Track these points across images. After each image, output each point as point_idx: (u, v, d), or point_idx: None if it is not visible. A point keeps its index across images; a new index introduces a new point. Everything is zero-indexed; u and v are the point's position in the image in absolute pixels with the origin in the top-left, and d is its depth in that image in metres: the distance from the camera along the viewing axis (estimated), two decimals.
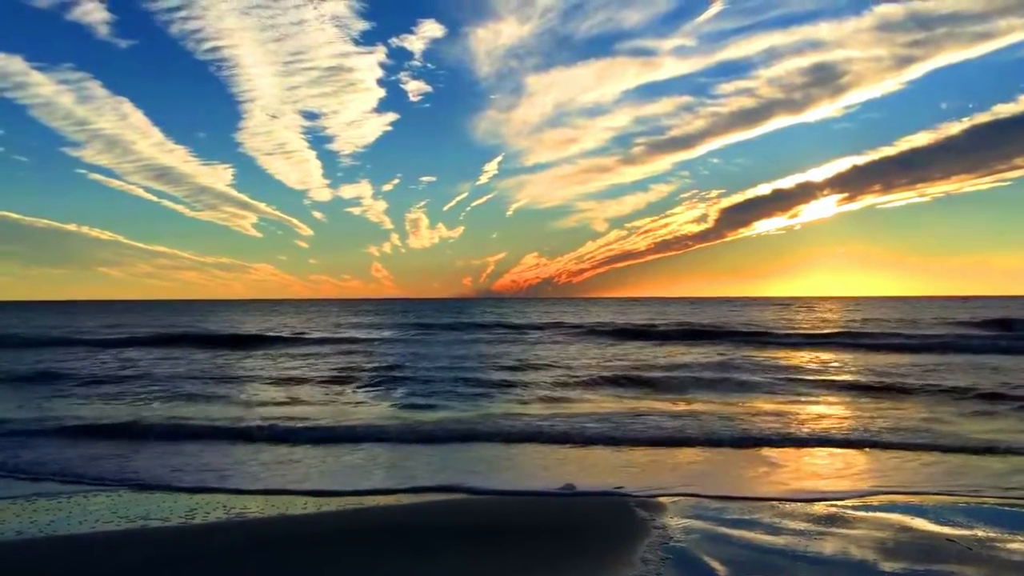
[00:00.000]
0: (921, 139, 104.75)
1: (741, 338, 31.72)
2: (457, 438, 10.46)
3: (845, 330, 35.64)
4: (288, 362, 23.31)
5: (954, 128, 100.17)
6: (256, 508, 6.94)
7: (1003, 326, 34.59)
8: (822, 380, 17.16)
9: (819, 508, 6.72)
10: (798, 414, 12.45)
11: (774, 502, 6.96)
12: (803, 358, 23.49)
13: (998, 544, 5.64)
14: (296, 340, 32.95)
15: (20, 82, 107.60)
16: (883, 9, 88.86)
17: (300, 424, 11.41)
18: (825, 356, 24.04)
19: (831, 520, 6.29)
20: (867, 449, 9.55)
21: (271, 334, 35.82)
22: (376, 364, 21.79)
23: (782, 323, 45.26)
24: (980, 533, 5.90)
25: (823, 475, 8.24)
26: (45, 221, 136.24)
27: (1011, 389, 14.77)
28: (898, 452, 9.30)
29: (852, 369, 19.87)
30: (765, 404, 13.77)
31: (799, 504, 6.88)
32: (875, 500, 7.04)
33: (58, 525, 6.37)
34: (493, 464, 8.98)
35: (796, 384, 16.55)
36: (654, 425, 11.15)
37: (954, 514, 6.47)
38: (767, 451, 9.49)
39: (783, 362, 21.98)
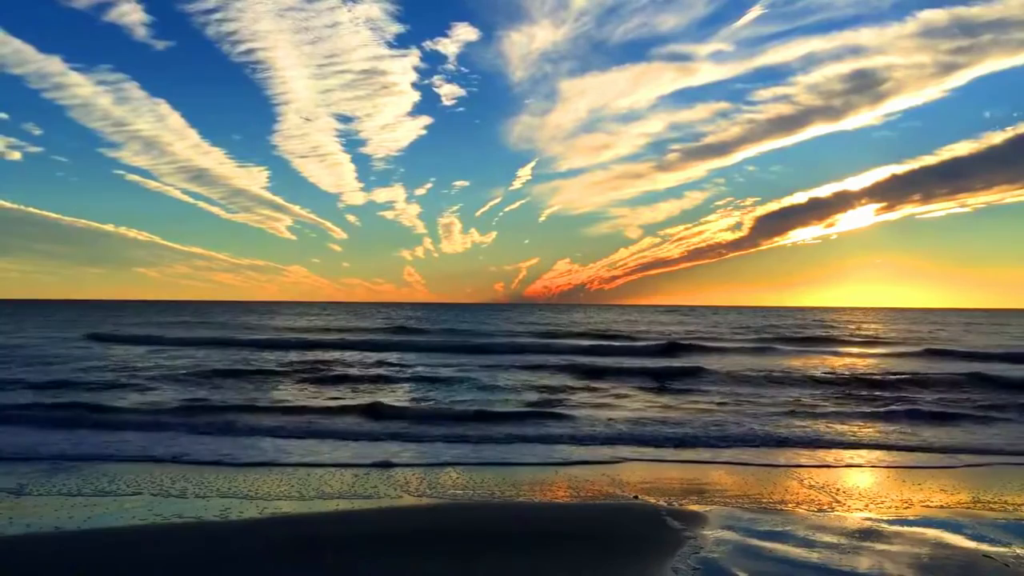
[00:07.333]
0: (963, 148, 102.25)
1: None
2: None
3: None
4: None
5: (997, 137, 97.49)
6: (289, 508, 7.03)
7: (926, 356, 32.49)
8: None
9: (853, 522, 6.65)
10: None
11: (808, 514, 6.90)
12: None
13: None
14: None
15: (59, 83, 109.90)
16: (927, 15, 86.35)
17: None
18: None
19: (866, 535, 6.23)
20: None
21: None
22: None
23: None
24: (1018, 549, 5.82)
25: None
26: (84, 221, 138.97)
27: None
28: None
29: None
30: None
31: (833, 517, 6.82)
32: (910, 515, 6.96)
33: (95, 521, 6.50)
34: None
35: None
36: None
37: (991, 529, 6.38)
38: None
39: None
